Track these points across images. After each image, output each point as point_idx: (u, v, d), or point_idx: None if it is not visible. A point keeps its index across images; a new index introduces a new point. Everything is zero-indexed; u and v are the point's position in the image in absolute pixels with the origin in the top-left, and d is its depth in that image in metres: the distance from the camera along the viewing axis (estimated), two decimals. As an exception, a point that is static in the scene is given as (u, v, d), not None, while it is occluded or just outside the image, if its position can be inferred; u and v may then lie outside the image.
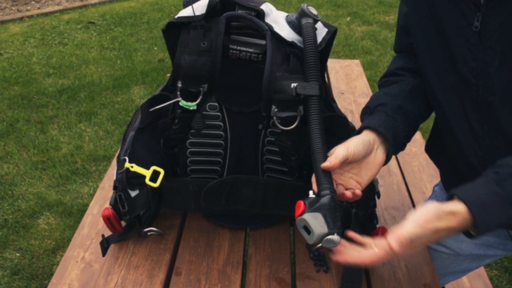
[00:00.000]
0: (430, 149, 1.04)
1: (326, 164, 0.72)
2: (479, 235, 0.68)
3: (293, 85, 0.83)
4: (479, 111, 0.76)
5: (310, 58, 0.82)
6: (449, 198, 0.69)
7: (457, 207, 0.66)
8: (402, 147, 0.84)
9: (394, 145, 0.80)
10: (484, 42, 0.71)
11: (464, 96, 0.77)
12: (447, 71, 0.78)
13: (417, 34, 0.84)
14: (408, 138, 0.86)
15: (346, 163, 0.75)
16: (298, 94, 0.82)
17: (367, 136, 0.79)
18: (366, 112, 0.86)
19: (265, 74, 0.84)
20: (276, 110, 0.86)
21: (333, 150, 0.75)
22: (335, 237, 0.68)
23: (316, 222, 0.68)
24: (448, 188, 1.02)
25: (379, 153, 0.79)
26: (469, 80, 0.75)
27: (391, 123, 0.81)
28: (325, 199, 0.70)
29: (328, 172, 0.74)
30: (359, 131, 0.81)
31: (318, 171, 0.73)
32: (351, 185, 0.79)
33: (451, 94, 0.80)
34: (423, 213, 0.67)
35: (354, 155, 0.75)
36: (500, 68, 0.71)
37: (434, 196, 1.09)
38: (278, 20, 0.89)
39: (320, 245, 0.69)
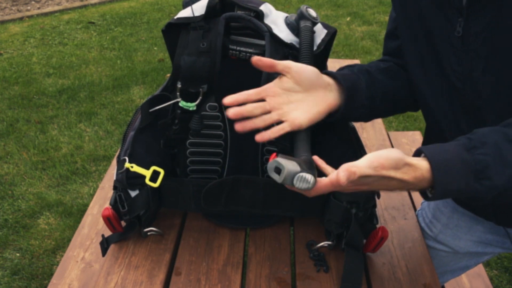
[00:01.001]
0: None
1: (258, 58, 0.70)
2: (435, 198, 0.64)
3: None
4: (468, 114, 0.76)
5: (304, 62, 0.82)
6: (416, 154, 0.66)
7: (420, 163, 0.62)
8: (361, 109, 0.81)
9: (349, 97, 0.77)
10: (468, 47, 0.71)
11: (453, 100, 0.77)
12: (435, 75, 0.78)
13: (405, 39, 0.84)
14: (372, 101, 0.82)
15: (290, 82, 0.72)
16: None
17: (324, 76, 0.76)
18: (334, 73, 0.81)
19: (263, 75, 0.84)
20: None
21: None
22: (308, 175, 0.61)
23: (288, 162, 0.63)
24: None
25: (330, 94, 0.76)
26: (456, 84, 0.75)
27: (352, 78, 0.79)
28: (301, 157, 0.67)
29: (307, 142, 0.70)
30: (324, 72, 0.79)
31: (297, 141, 0.71)
32: (286, 117, 0.73)
33: (440, 98, 0.80)
34: (382, 158, 0.62)
35: (298, 72, 0.72)
36: (485, 72, 0.70)
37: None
38: (277, 21, 0.89)
39: (293, 185, 0.62)
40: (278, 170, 0.62)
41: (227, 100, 0.71)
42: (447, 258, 1.07)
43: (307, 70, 0.74)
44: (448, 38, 0.73)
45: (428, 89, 0.81)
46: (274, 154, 0.67)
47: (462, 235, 1.02)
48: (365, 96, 0.80)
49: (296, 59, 0.86)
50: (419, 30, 0.79)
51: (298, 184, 0.61)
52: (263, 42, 0.89)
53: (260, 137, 0.72)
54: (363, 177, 0.60)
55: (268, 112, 0.73)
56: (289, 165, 0.62)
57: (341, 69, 0.87)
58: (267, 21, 0.89)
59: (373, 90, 0.83)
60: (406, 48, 0.84)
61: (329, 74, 0.79)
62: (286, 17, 0.90)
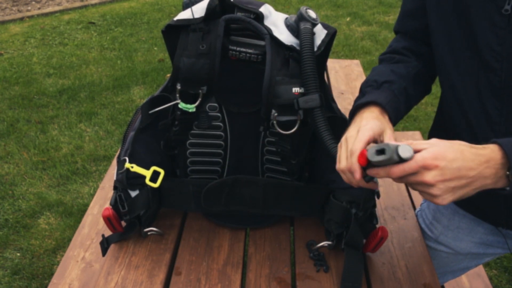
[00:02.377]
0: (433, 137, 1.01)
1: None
2: None
3: (295, 90, 0.85)
4: (498, 97, 0.75)
5: (307, 68, 0.82)
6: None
7: (491, 149, 0.63)
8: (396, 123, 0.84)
9: (393, 125, 0.79)
10: None
11: (482, 81, 0.76)
12: (465, 54, 0.77)
13: (434, 16, 0.82)
14: (400, 120, 0.85)
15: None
16: (301, 108, 0.83)
17: (376, 114, 0.76)
18: (372, 85, 0.84)
19: (265, 79, 0.84)
20: (276, 114, 0.86)
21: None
22: (406, 146, 0.62)
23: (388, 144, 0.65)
24: None
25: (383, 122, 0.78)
26: (492, 64, 0.73)
27: (396, 103, 0.80)
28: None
29: None
30: (363, 104, 0.79)
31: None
32: None
33: (467, 79, 0.78)
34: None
35: (376, 137, 0.73)
36: None
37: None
38: (277, 23, 0.89)
39: (396, 158, 0.62)
40: (381, 151, 0.64)
41: None
42: (448, 259, 1.07)
43: (374, 127, 0.73)
44: (489, 17, 0.72)
45: (455, 69, 0.80)
46: (364, 150, 0.68)
47: (463, 237, 1.02)
48: (400, 117, 0.83)
49: (297, 61, 0.86)
50: (451, 8, 0.77)
51: (404, 153, 0.62)
52: (263, 43, 0.89)
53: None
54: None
55: None
56: (391, 145, 0.64)
57: (378, 75, 0.85)
58: (267, 22, 0.88)
59: (406, 110, 0.85)
60: (433, 25, 0.82)
61: (379, 103, 0.78)
62: (286, 18, 0.90)
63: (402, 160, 0.63)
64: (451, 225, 1.03)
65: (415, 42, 0.90)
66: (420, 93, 0.89)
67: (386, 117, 0.78)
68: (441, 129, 0.94)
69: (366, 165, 0.68)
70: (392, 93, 0.81)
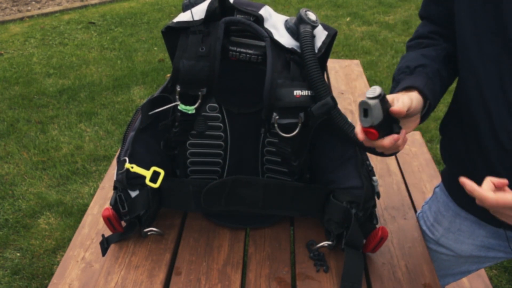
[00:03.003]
0: (446, 127, 1.00)
1: (397, 108, 0.71)
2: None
3: (296, 93, 0.86)
4: None
5: (313, 74, 0.83)
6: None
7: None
8: (433, 109, 0.85)
9: (432, 107, 0.80)
10: None
11: (505, 67, 0.74)
12: (489, 38, 0.76)
13: (460, 1, 0.80)
14: (438, 102, 0.86)
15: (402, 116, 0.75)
16: (316, 115, 0.84)
17: (416, 95, 0.77)
18: (405, 72, 0.84)
19: (266, 82, 0.84)
20: (277, 117, 0.86)
21: (396, 96, 0.74)
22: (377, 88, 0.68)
23: (378, 111, 0.68)
24: (449, 184, 1.02)
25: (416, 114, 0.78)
26: None
27: (431, 85, 0.81)
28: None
29: None
30: (401, 89, 0.80)
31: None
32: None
33: (490, 64, 0.77)
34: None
35: (413, 110, 0.74)
36: None
37: (435, 197, 1.08)
38: (277, 26, 0.89)
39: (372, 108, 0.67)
40: (366, 112, 0.68)
41: None
42: (449, 262, 1.06)
43: (418, 106, 0.75)
44: None
45: (478, 55, 0.79)
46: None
47: (465, 239, 1.01)
48: (438, 99, 0.84)
49: (298, 64, 0.86)
50: None
51: (368, 94, 0.67)
52: (263, 43, 0.89)
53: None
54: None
55: None
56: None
57: (410, 61, 0.86)
58: (267, 25, 0.88)
59: (442, 92, 0.86)
60: (458, 8, 0.81)
61: (416, 87, 0.78)
62: (286, 21, 0.90)
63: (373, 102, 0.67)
64: (452, 227, 1.02)
65: (441, 26, 0.90)
66: (453, 74, 0.89)
67: (421, 99, 0.78)
68: (455, 118, 0.93)
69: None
70: (426, 76, 0.81)
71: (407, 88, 0.79)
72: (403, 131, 0.71)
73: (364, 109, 0.68)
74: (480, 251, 1.01)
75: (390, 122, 0.71)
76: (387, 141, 0.69)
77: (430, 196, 1.12)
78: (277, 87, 0.84)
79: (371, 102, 0.67)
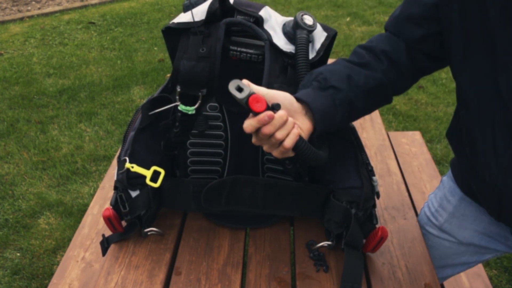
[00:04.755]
0: (450, 135, 1.00)
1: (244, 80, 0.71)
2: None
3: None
4: (509, 132, 0.74)
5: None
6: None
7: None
8: (328, 131, 0.82)
9: (322, 131, 0.78)
10: None
11: (498, 113, 0.74)
12: (485, 84, 0.74)
13: (458, 41, 0.77)
14: (340, 127, 0.85)
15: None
16: None
17: (297, 104, 0.76)
18: (320, 82, 0.80)
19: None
20: None
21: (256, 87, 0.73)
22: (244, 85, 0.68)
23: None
24: (456, 172, 1.04)
25: (305, 118, 0.76)
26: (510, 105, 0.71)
27: (331, 113, 0.78)
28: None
29: None
30: (298, 97, 0.77)
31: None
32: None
33: (483, 107, 0.76)
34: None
35: (272, 99, 0.73)
36: None
37: (442, 185, 1.10)
38: (276, 28, 0.89)
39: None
40: (239, 89, 0.68)
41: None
42: (450, 250, 1.07)
43: (279, 97, 0.73)
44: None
45: (472, 93, 0.78)
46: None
47: (468, 225, 1.03)
48: (335, 126, 0.81)
49: (294, 68, 0.86)
50: (479, 38, 0.73)
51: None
52: (263, 43, 0.89)
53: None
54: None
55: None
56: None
57: (331, 73, 0.81)
58: (266, 26, 0.89)
59: (346, 120, 0.83)
60: (453, 48, 0.79)
61: (309, 106, 0.76)
62: (284, 24, 0.90)
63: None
64: (457, 212, 1.04)
65: (402, 50, 0.85)
66: (373, 105, 0.87)
67: (307, 116, 0.77)
68: (458, 131, 0.93)
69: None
70: (332, 102, 0.78)
71: (304, 102, 0.77)
72: (282, 112, 0.69)
73: (238, 86, 0.67)
74: (481, 240, 1.02)
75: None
76: (263, 115, 0.67)
77: (438, 186, 1.14)
78: None
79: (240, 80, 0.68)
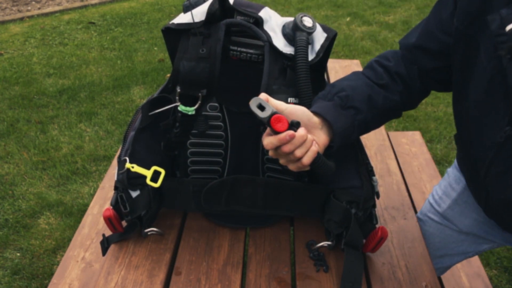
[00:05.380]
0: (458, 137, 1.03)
1: (263, 95, 0.73)
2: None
3: (290, 100, 0.86)
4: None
5: (302, 86, 0.84)
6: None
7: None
8: (341, 148, 0.84)
9: (337, 148, 0.81)
10: None
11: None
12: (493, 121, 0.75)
13: (470, 77, 0.79)
14: (351, 143, 0.88)
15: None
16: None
17: (315, 117, 0.78)
18: (342, 100, 0.82)
19: (261, 87, 0.85)
20: None
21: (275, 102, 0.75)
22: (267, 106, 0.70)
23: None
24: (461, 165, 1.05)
25: (321, 133, 0.79)
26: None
27: (349, 133, 0.81)
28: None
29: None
30: (318, 112, 0.79)
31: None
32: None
33: (487, 142, 0.77)
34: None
35: (290, 115, 0.74)
36: None
37: (447, 176, 1.12)
38: (276, 29, 0.89)
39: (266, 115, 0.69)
40: (261, 107, 0.70)
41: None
42: (451, 237, 1.09)
43: (297, 113, 0.75)
44: None
45: (477, 127, 0.80)
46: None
47: (469, 213, 1.04)
48: (349, 142, 0.84)
49: (294, 71, 0.86)
50: (489, 77, 0.74)
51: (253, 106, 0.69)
52: (263, 43, 0.89)
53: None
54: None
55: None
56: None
57: (351, 90, 0.83)
58: (266, 27, 0.89)
59: (358, 136, 0.87)
60: (464, 82, 0.80)
61: (329, 123, 0.78)
62: (283, 26, 0.90)
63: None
64: (460, 199, 1.06)
65: (415, 75, 0.88)
66: (383, 123, 0.92)
67: (327, 127, 0.79)
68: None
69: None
70: (351, 123, 0.81)
71: (323, 118, 0.78)
72: (303, 131, 0.71)
73: (259, 105, 0.69)
74: (480, 229, 1.04)
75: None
76: (284, 134, 0.69)
77: (443, 177, 1.16)
78: (272, 93, 0.85)
79: (261, 97, 0.70)
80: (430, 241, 1.10)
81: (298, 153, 0.71)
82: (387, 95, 0.86)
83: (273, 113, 0.69)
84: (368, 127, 0.87)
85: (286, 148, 0.70)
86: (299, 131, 0.71)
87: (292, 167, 0.75)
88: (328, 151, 0.81)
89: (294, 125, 0.71)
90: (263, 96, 0.73)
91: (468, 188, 1.04)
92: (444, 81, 0.88)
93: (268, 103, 0.72)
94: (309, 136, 0.73)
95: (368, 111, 0.83)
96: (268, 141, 0.71)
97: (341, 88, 0.83)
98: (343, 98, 0.82)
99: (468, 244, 1.09)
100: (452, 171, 1.11)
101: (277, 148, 0.72)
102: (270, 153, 0.75)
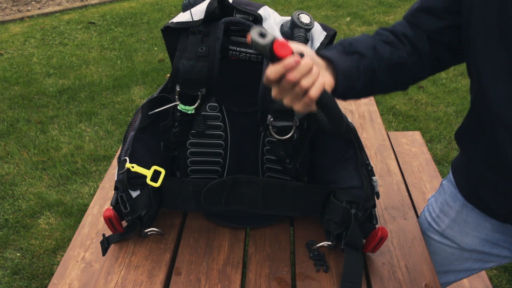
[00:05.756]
0: (462, 135, 0.96)
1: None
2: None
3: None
4: None
5: None
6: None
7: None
8: (347, 97, 0.79)
9: (342, 93, 0.76)
10: None
11: None
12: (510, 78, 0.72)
13: (478, 34, 0.76)
14: (358, 97, 0.82)
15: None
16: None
17: (319, 60, 0.73)
18: (345, 47, 0.78)
19: (261, 85, 0.85)
20: (271, 119, 0.87)
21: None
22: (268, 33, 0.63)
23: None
24: (457, 174, 1.01)
25: (327, 74, 0.74)
26: None
27: (353, 77, 0.76)
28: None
29: None
30: (323, 55, 0.75)
31: None
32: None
33: (509, 103, 0.74)
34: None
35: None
36: None
37: (442, 190, 1.07)
38: (275, 28, 0.89)
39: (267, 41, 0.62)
40: (262, 35, 0.62)
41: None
42: (452, 256, 1.05)
43: (301, 50, 0.70)
44: None
45: (494, 91, 0.76)
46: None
47: (470, 231, 1.00)
48: (355, 93, 0.78)
49: None
50: (498, 33, 0.72)
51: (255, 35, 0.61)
52: None
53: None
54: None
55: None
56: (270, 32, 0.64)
57: (357, 42, 0.80)
58: (265, 25, 0.89)
59: (367, 90, 0.80)
60: (476, 46, 0.77)
61: (334, 64, 0.74)
62: (282, 25, 0.90)
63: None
64: (459, 218, 1.01)
65: (423, 37, 0.85)
66: (393, 84, 0.84)
67: (333, 71, 0.74)
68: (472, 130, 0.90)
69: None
70: (356, 67, 0.76)
71: (329, 59, 0.74)
72: (308, 59, 0.65)
73: (260, 32, 0.61)
74: (484, 246, 1.00)
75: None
76: (290, 59, 0.61)
77: (438, 189, 1.11)
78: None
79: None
80: (432, 259, 1.04)
81: (304, 82, 0.63)
82: (394, 50, 0.81)
83: (275, 38, 0.62)
84: (376, 79, 0.80)
85: (292, 76, 0.62)
86: (305, 59, 0.64)
87: (298, 105, 0.67)
88: (334, 93, 0.75)
89: (299, 54, 0.65)
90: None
91: (467, 206, 0.99)
92: (453, 47, 0.83)
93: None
94: (315, 67, 0.66)
95: (373, 59, 0.78)
96: (272, 69, 0.62)
97: (345, 39, 0.80)
98: (346, 45, 0.78)
99: (473, 261, 1.04)
100: (448, 187, 1.04)
101: (280, 81, 0.64)
102: (273, 93, 0.67)
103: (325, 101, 0.66)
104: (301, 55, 0.65)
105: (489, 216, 0.95)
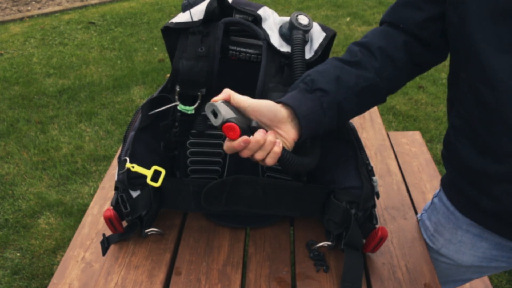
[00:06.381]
0: (449, 141, 0.92)
1: (237, 98, 0.73)
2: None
3: None
4: None
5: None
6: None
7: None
8: (318, 134, 0.80)
9: (310, 135, 0.78)
10: None
11: None
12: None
13: (475, 24, 0.73)
14: (326, 133, 0.82)
15: (254, 114, 0.74)
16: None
17: (282, 110, 0.74)
18: (307, 84, 0.78)
19: (258, 85, 0.85)
20: None
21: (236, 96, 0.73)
22: (222, 109, 0.70)
23: (225, 108, 0.70)
24: (450, 190, 0.98)
25: (290, 127, 0.75)
26: None
27: (318, 117, 0.77)
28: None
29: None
30: (283, 101, 0.75)
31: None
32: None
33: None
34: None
35: (255, 111, 0.73)
36: None
37: (434, 208, 1.04)
38: (274, 29, 0.90)
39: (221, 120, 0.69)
40: (215, 114, 0.70)
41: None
42: (450, 270, 1.04)
43: (262, 109, 0.73)
44: None
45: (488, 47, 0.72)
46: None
47: (466, 251, 0.98)
48: (322, 131, 0.79)
49: (290, 68, 0.86)
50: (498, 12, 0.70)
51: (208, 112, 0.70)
52: (262, 43, 0.89)
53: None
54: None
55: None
56: (224, 112, 0.70)
57: (319, 75, 0.79)
58: (265, 26, 0.89)
59: (334, 123, 0.80)
60: (473, 32, 0.73)
61: (294, 110, 0.75)
62: (280, 27, 0.90)
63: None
64: (454, 239, 0.99)
65: (400, 43, 0.83)
66: (365, 105, 0.84)
67: (295, 119, 0.75)
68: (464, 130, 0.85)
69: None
70: (319, 105, 0.76)
71: (288, 106, 0.75)
72: (261, 131, 0.71)
73: (213, 111, 0.70)
74: (481, 262, 0.99)
75: (248, 123, 0.72)
76: (238, 142, 0.69)
77: (429, 204, 1.08)
78: (269, 91, 0.85)
79: (216, 102, 0.70)
80: None
81: (257, 156, 0.71)
82: (360, 73, 0.80)
83: (224, 122, 0.69)
84: (343, 110, 0.80)
85: (244, 154, 0.71)
86: (256, 136, 0.69)
87: (262, 164, 0.74)
88: (299, 141, 0.77)
89: (250, 130, 0.70)
90: (225, 93, 0.72)
91: (461, 228, 0.96)
92: (433, 44, 0.82)
93: (232, 99, 0.72)
94: (269, 138, 0.71)
95: (337, 92, 0.78)
96: (226, 146, 0.71)
97: (307, 74, 0.80)
98: (308, 83, 0.78)
99: (471, 273, 1.03)
100: (440, 207, 1.01)
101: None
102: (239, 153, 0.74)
103: (284, 162, 0.74)
104: (254, 129, 0.71)
105: (486, 234, 0.93)
